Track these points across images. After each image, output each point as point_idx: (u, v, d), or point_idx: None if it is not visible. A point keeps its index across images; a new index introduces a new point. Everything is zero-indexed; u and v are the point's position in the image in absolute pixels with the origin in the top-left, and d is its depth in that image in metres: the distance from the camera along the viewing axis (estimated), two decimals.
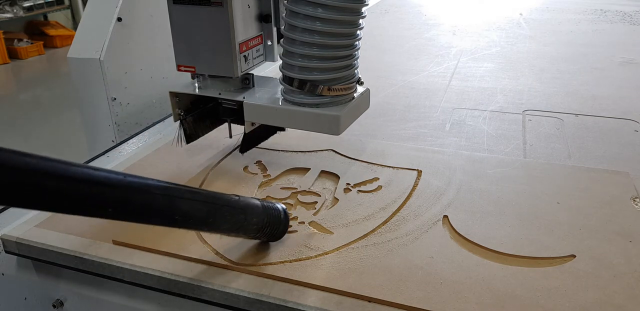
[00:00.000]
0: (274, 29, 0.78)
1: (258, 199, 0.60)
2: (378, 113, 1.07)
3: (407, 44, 1.65)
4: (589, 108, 1.10)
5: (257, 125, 0.81)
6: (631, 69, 1.39)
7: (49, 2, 4.57)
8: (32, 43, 4.21)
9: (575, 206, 0.70)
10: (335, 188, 0.75)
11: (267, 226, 0.59)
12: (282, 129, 0.87)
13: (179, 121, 0.79)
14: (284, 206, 0.62)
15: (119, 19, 1.15)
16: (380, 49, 1.58)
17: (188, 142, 0.80)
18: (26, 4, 4.36)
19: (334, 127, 0.71)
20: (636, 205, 0.70)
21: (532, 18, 2.04)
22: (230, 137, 0.83)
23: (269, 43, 0.80)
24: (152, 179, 0.45)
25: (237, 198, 0.55)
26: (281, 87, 0.74)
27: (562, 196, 0.72)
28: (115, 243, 0.64)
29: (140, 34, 1.21)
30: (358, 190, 0.74)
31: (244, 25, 0.73)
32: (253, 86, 0.79)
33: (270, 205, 0.60)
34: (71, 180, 0.39)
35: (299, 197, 0.73)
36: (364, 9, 0.68)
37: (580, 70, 1.37)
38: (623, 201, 0.71)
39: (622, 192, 0.73)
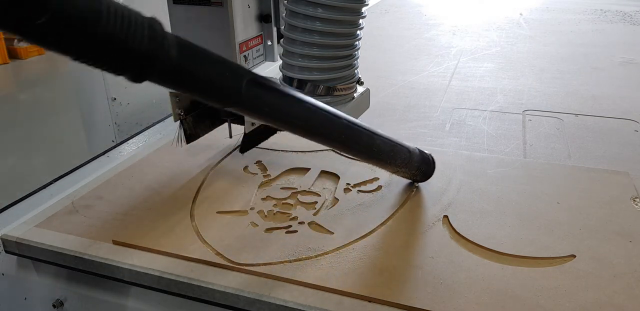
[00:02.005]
0: (274, 29, 0.78)
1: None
2: (378, 113, 1.07)
3: (407, 44, 1.65)
4: (589, 108, 1.10)
5: (257, 125, 0.81)
6: (631, 69, 1.39)
7: None
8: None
9: (575, 206, 0.70)
10: (335, 188, 0.75)
11: (423, 164, 0.72)
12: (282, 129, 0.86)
13: (179, 121, 0.79)
14: (429, 152, 0.74)
15: None
16: (380, 49, 1.59)
17: (188, 142, 0.80)
18: None
19: None
20: (636, 205, 0.70)
21: (532, 18, 2.04)
22: (230, 137, 0.83)
23: (269, 43, 0.80)
24: (358, 121, 0.60)
25: (400, 141, 0.67)
26: None
27: (562, 196, 0.72)
28: (115, 243, 0.64)
29: None
30: (358, 190, 0.74)
31: (244, 25, 0.73)
32: None
33: (421, 149, 0.72)
34: (331, 116, 0.56)
35: (299, 197, 0.73)
36: (364, 9, 0.68)
37: (580, 70, 1.37)
38: (623, 201, 0.71)
39: (622, 192, 0.73)
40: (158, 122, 1.10)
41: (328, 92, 0.70)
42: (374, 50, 1.56)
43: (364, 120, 0.97)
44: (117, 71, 0.37)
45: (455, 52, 1.56)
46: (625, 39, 1.72)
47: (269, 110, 0.50)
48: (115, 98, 1.17)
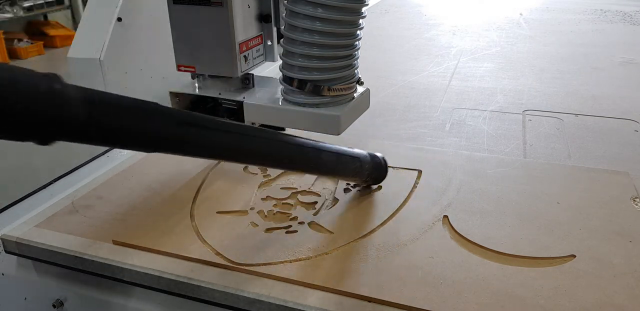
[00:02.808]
0: (274, 29, 0.78)
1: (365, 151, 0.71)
2: (378, 113, 1.07)
3: (407, 44, 1.65)
4: (589, 108, 1.10)
5: (257, 124, 0.81)
6: (631, 69, 1.39)
7: (49, 2, 4.57)
8: (32, 43, 4.21)
9: (575, 206, 0.70)
10: (335, 188, 0.75)
11: (374, 171, 0.71)
12: (282, 129, 0.86)
13: None
14: (382, 155, 0.74)
15: (119, 19, 1.15)
16: (380, 49, 1.58)
17: None
18: (26, 4, 4.36)
19: (334, 127, 0.71)
20: (636, 205, 0.70)
21: (532, 18, 2.04)
22: None
23: (269, 43, 0.79)
24: (303, 138, 0.59)
25: (351, 148, 0.67)
26: (281, 87, 0.74)
27: (562, 196, 0.72)
28: (115, 243, 0.64)
29: (140, 34, 1.21)
30: (358, 190, 0.74)
31: (244, 25, 0.73)
32: (253, 86, 0.79)
33: (373, 154, 0.72)
34: (268, 141, 0.54)
35: (299, 197, 0.73)
36: (364, 9, 0.68)
37: (580, 70, 1.37)
38: (623, 201, 0.71)
39: (622, 192, 0.73)
40: None
41: (327, 92, 0.70)
42: (374, 50, 1.56)
43: (364, 120, 0.97)
44: (20, 139, 0.34)
45: (455, 52, 1.56)
46: (625, 39, 1.72)
47: (202, 148, 0.49)
48: None
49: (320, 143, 0.62)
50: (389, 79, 1.29)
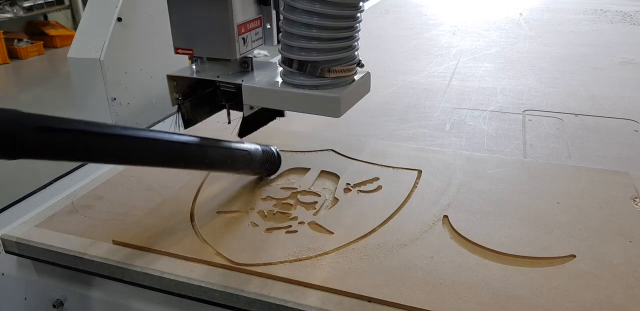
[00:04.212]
0: (273, 12, 0.77)
1: (256, 143, 0.75)
2: (378, 113, 1.07)
3: (407, 44, 1.65)
4: (589, 109, 1.10)
5: (255, 109, 0.80)
6: (631, 69, 1.39)
7: (49, 2, 4.58)
8: (32, 43, 4.21)
9: (575, 206, 0.70)
10: (335, 188, 0.75)
11: (266, 162, 0.75)
12: (281, 114, 0.85)
13: (176, 106, 0.77)
14: (275, 147, 0.78)
15: (119, 19, 1.15)
16: (380, 49, 1.58)
17: (186, 127, 0.79)
18: (26, 4, 4.36)
19: (335, 109, 0.69)
20: (636, 205, 0.70)
21: (532, 18, 2.04)
22: (229, 122, 0.82)
23: (268, 26, 0.78)
24: (191, 136, 0.61)
25: (242, 143, 0.71)
26: (280, 70, 0.73)
27: (562, 196, 0.72)
28: (115, 243, 0.64)
29: (140, 34, 1.21)
30: (358, 190, 0.74)
31: (243, 7, 0.71)
32: (252, 70, 0.78)
33: (265, 146, 0.76)
34: (148, 141, 0.55)
35: (299, 197, 0.73)
36: None
37: (580, 70, 1.37)
38: (623, 201, 0.71)
39: (622, 192, 0.73)
40: (158, 122, 1.10)
41: (327, 74, 0.68)
42: (374, 50, 1.56)
43: (364, 120, 0.97)
44: None
45: (455, 52, 1.56)
46: (625, 39, 1.72)
47: (73, 153, 0.48)
48: (115, 98, 1.17)
49: (207, 140, 0.63)
50: (389, 79, 1.29)
